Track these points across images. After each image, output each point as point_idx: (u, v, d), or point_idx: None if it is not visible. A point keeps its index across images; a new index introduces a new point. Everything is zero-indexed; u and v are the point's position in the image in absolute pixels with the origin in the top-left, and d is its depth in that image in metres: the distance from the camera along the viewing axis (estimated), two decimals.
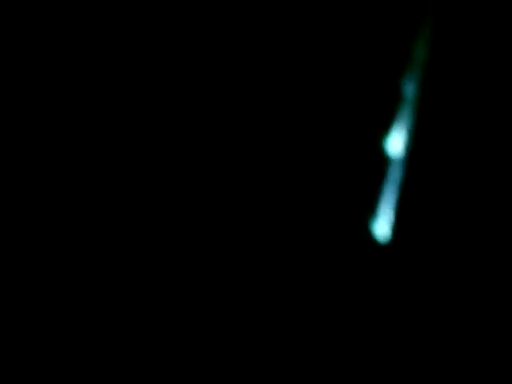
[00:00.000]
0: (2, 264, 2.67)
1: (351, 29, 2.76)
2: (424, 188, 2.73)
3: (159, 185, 2.75)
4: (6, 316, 2.64)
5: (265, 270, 2.71)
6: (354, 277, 2.70)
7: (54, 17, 2.77)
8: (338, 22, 2.77)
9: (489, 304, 2.66)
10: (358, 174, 2.74)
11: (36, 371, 2.61)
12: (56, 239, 2.70)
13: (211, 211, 2.74)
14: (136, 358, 2.64)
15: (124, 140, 2.76)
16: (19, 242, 2.69)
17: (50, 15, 2.77)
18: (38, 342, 2.63)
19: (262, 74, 2.78)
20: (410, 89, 2.74)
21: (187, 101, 2.78)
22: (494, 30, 2.74)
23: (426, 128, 2.74)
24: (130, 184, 2.74)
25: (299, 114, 2.77)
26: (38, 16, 2.77)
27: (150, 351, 2.65)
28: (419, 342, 2.66)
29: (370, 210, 2.72)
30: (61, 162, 2.74)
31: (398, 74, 2.75)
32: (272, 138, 2.76)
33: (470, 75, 2.75)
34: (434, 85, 2.75)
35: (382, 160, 2.74)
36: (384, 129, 2.74)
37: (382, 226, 2.71)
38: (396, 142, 2.73)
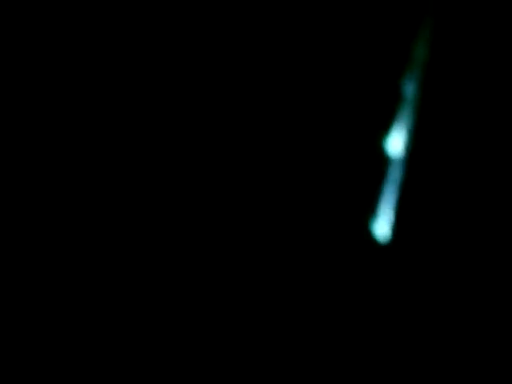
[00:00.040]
0: (1, 264, 2.67)
1: (351, 29, 2.76)
2: (424, 188, 2.73)
3: (159, 184, 2.75)
4: (6, 316, 2.64)
5: (265, 270, 2.71)
6: (354, 277, 2.70)
7: (54, 17, 2.77)
8: (338, 21, 2.77)
9: (489, 304, 2.66)
10: (358, 174, 2.74)
11: (36, 371, 2.61)
12: (56, 239, 2.70)
13: (210, 209, 2.74)
14: (136, 358, 2.64)
15: (124, 140, 2.76)
16: (19, 241, 2.69)
17: (50, 15, 2.77)
18: (38, 342, 2.64)
19: (262, 74, 2.78)
20: (410, 89, 2.74)
21: (187, 101, 2.78)
22: (493, 30, 2.74)
23: (426, 128, 2.74)
24: (130, 184, 2.74)
25: (299, 113, 2.77)
26: (38, 16, 2.77)
27: (150, 351, 2.65)
28: (419, 342, 2.66)
29: (370, 210, 2.72)
30: (61, 162, 2.74)
31: (398, 74, 2.75)
32: (272, 138, 2.76)
33: (470, 75, 2.75)
34: (433, 85, 2.75)
35: (382, 160, 2.74)
36: (384, 129, 2.74)
37: (382, 226, 2.71)
38: (396, 142, 2.74)
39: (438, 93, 2.75)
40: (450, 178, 2.73)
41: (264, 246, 2.72)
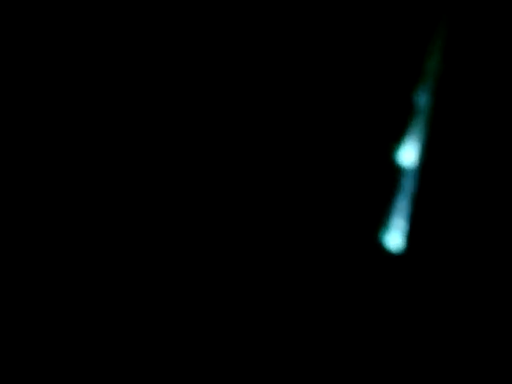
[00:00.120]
0: (1, 264, 2.68)
1: (364, 40, 2.77)
2: (436, 199, 2.73)
3: (159, 184, 2.75)
4: (6, 316, 2.64)
5: (277, 281, 2.72)
6: (366, 288, 2.70)
7: (54, 17, 2.77)
8: (351, 33, 2.77)
9: (503, 316, 2.67)
10: (371, 185, 2.75)
11: (36, 371, 2.61)
12: (56, 239, 2.70)
13: (217, 218, 2.75)
14: (136, 358, 2.65)
15: (124, 140, 2.76)
16: (19, 242, 2.69)
17: (50, 15, 2.77)
18: (38, 342, 2.64)
19: (272, 83, 2.78)
20: (422, 100, 2.74)
21: (187, 101, 2.78)
22: (507, 42, 2.74)
23: (439, 139, 2.75)
24: (130, 184, 2.74)
25: (312, 124, 2.77)
26: (38, 16, 2.76)
27: (150, 351, 2.66)
28: (432, 352, 2.66)
29: (382, 221, 2.72)
30: (61, 162, 2.74)
31: (411, 85, 2.76)
32: (284, 148, 2.77)
33: (482, 86, 2.75)
34: (446, 96, 2.75)
35: (394, 171, 2.74)
36: (397, 140, 2.75)
37: (395, 238, 2.71)
38: (409, 153, 2.74)
39: (450, 104, 2.75)
40: (463, 188, 2.73)
41: (276, 257, 2.73)
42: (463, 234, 2.71)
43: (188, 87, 2.78)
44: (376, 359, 2.66)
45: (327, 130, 2.77)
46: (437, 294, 2.69)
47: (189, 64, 2.79)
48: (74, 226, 2.72)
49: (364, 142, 2.76)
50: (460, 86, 2.75)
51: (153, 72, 2.78)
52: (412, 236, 2.71)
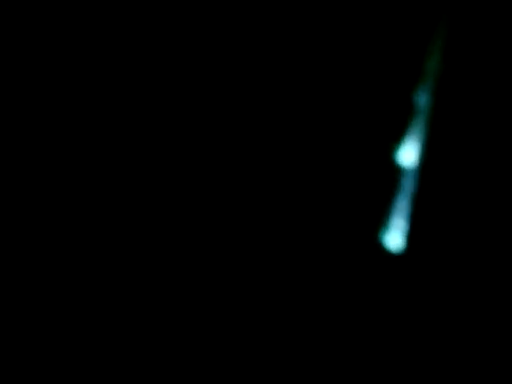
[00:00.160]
0: (1, 264, 2.68)
1: (364, 40, 2.77)
2: (436, 199, 2.73)
3: (159, 184, 2.75)
4: (6, 316, 2.64)
5: (277, 282, 2.72)
6: (366, 288, 2.70)
7: (54, 17, 2.77)
8: (351, 33, 2.77)
9: (504, 317, 2.67)
10: (370, 185, 2.75)
11: (36, 371, 2.61)
12: (56, 239, 2.70)
13: (217, 218, 2.75)
14: (136, 358, 2.65)
15: (124, 140, 2.76)
16: (19, 242, 2.69)
17: (50, 15, 2.77)
18: (38, 342, 2.64)
19: (273, 83, 2.78)
20: (422, 100, 2.74)
21: (187, 101, 2.78)
22: (507, 41, 2.74)
23: (439, 139, 2.75)
24: (130, 184, 2.74)
25: (311, 124, 2.77)
26: (38, 16, 2.77)
27: (150, 351, 2.66)
28: (432, 352, 2.66)
29: (382, 221, 2.72)
30: (61, 162, 2.74)
31: (411, 85, 2.76)
32: (283, 149, 2.77)
33: (482, 86, 2.75)
34: (446, 96, 2.75)
35: (394, 171, 2.74)
36: (397, 140, 2.75)
37: (395, 238, 2.71)
38: (409, 154, 2.74)
39: (450, 104, 2.75)
40: (463, 188, 2.73)
41: (276, 257, 2.73)
42: (463, 234, 2.71)
43: (188, 87, 2.78)
44: (376, 359, 2.66)
45: (327, 129, 2.77)
46: (437, 294, 2.69)
47: (189, 64, 2.79)
48: (74, 226, 2.72)
49: (364, 142, 2.76)
50: (460, 86, 2.75)
51: (153, 72, 2.78)
52: (412, 236, 2.71)
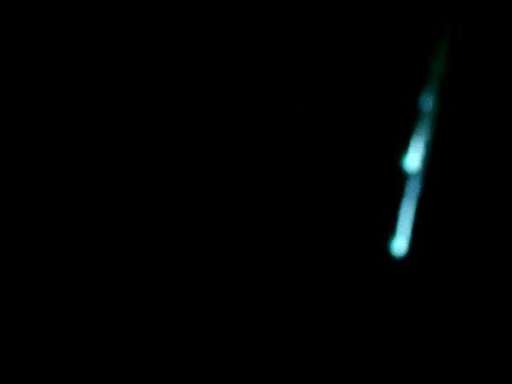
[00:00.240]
0: (1, 264, 2.69)
1: (369, 43, 2.75)
2: (442, 203, 2.73)
3: (159, 185, 2.75)
4: (6, 316, 2.66)
5: (281, 284, 2.73)
6: (372, 292, 2.71)
7: (54, 17, 2.76)
8: (356, 36, 2.75)
9: (507, 320, 2.68)
10: (376, 189, 2.74)
11: (36, 371, 2.64)
12: (56, 239, 2.71)
13: (226, 219, 2.75)
14: (136, 358, 2.67)
15: (124, 140, 2.75)
16: (19, 242, 2.70)
17: (50, 15, 2.75)
18: (38, 342, 2.66)
19: (277, 87, 2.77)
20: (428, 103, 2.73)
21: (187, 101, 2.77)
22: None
23: (445, 143, 2.74)
24: (130, 184, 2.75)
25: (317, 128, 2.76)
26: (38, 16, 2.75)
27: (150, 351, 2.68)
28: (436, 356, 2.68)
29: (388, 225, 2.73)
30: (61, 162, 2.74)
31: (417, 88, 2.74)
32: (288, 153, 2.76)
33: (488, 89, 2.73)
34: (452, 99, 2.73)
35: (400, 174, 2.73)
36: (402, 144, 2.74)
37: (400, 242, 2.72)
38: (414, 157, 2.73)
39: (456, 107, 2.73)
40: (469, 192, 2.73)
41: (280, 259, 2.74)
42: (469, 238, 2.71)
43: (188, 87, 2.77)
44: (380, 363, 2.68)
45: (332, 133, 2.76)
46: (442, 299, 2.70)
47: (189, 64, 2.77)
48: (74, 226, 2.72)
49: (369, 146, 2.75)
50: (466, 89, 2.73)
51: (153, 72, 2.77)
52: (417, 240, 2.71)
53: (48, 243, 2.71)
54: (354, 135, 2.75)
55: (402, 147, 2.73)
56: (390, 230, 2.72)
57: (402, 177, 2.73)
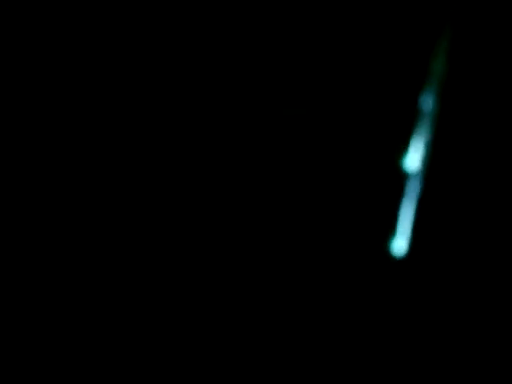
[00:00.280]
0: (1, 264, 2.69)
1: (369, 43, 2.75)
2: (442, 203, 2.73)
3: (159, 184, 2.75)
4: (6, 316, 2.66)
5: (280, 284, 2.73)
6: (371, 292, 2.71)
7: (54, 17, 2.76)
8: (356, 36, 2.75)
9: (507, 321, 2.68)
10: (376, 189, 2.74)
11: (36, 371, 2.64)
12: (56, 239, 2.71)
13: (228, 220, 2.75)
14: (136, 358, 2.67)
15: (124, 140, 2.76)
16: (19, 242, 2.70)
17: (50, 15, 2.75)
18: (38, 342, 2.66)
19: (277, 88, 2.77)
20: (428, 103, 2.73)
21: (187, 101, 2.77)
22: None
23: (445, 143, 2.74)
24: (130, 184, 2.75)
25: (316, 128, 2.76)
26: (38, 16, 2.75)
27: (150, 351, 2.68)
28: (436, 357, 2.68)
29: (388, 225, 2.73)
30: (61, 162, 2.74)
31: (417, 88, 2.74)
32: (288, 153, 2.76)
33: (489, 89, 2.73)
34: (452, 99, 2.73)
35: (400, 175, 2.73)
36: (402, 144, 2.74)
37: (400, 242, 2.72)
38: (414, 157, 2.73)
39: (456, 108, 2.73)
40: (469, 192, 2.73)
41: (279, 259, 2.74)
42: (469, 239, 2.71)
43: (188, 87, 2.77)
44: (380, 363, 2.68)
45: (332, 133, 2.76)
46: (442, 299, 2.70)
47: (189, 64, 2.77)
48: (74, 226, 2.73)
49: (369, 146, 2.75)
50: (466, 89, 2.73)
51: (153, 72, 2.77)
52: (417, 240, 2.71)
53: (48, 243, 2.71)
54: (354, 135, 2.75)
55: (402, 147, 2.73)
56: (390, 229, 2.72)
57: (402, 177, 2.73)
